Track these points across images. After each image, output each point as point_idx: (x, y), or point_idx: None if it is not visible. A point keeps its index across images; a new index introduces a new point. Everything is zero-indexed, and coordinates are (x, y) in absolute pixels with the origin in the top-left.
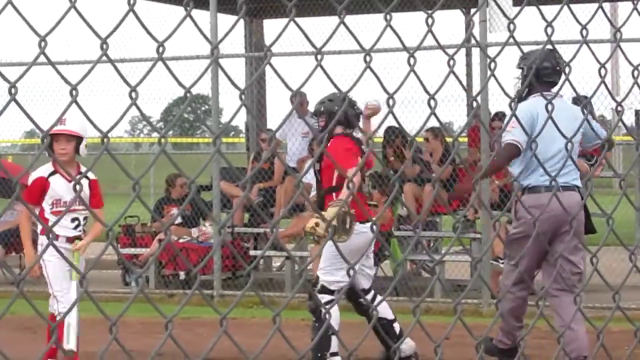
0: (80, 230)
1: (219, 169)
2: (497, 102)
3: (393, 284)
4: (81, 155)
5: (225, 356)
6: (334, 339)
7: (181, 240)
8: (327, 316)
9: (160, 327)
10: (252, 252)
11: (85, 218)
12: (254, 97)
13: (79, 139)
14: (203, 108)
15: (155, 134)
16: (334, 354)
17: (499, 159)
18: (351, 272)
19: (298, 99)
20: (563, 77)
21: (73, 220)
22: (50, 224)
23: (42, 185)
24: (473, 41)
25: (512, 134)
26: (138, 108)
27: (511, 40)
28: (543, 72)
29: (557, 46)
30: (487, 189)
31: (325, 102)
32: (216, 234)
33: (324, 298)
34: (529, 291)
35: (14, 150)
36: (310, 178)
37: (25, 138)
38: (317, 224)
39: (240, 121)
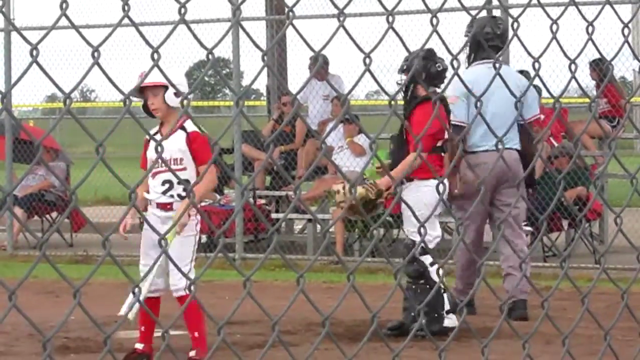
0: (171, 196)
1: (240, 132)
2: (518, 64)
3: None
4: (170, 105)
5: (248, 319)
6: (445, 296)
7: (202, 204)
8: (437, 275)
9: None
10: (273, 215)
11: (187, 180)
12: (275, 61)
13: (166, 88)
14: (224, 71)
15: None
16: (449, 312)
17: (455, 143)
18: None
19: (320, 60)
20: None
21: (164, 183)
22: (149, 188)
23: (145, 147)
24: (495, 2)
25: (454, 114)
26: (160, 69)
27: (534, 1)
28: (485, 38)
29: (580, 7)
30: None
31: (408, 59)
32: (238, 197)
33: (427, 259)
34: (481, 247)
35: (35, 115)
36: (330, 141)
37: (47, 102)
38: (338, 192)
39: (261, 84)
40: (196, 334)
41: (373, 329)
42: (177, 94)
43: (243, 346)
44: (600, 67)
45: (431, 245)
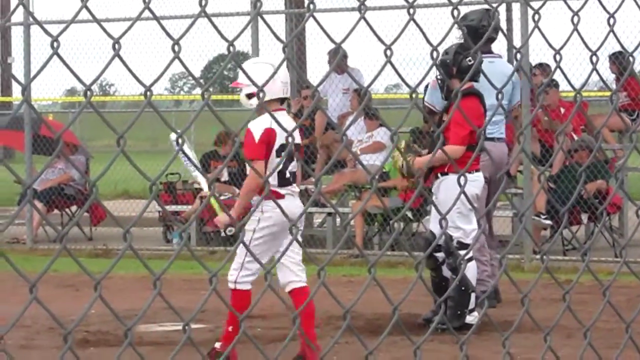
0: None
1: None
2: (537, 57)
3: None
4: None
5: (268, 312)
6: (472, 295)
7: (222, 197)
8: (466, 272)
9: (202, 283)
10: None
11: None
12: (294, 54)
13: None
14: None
15: (195, 91)
16: (472, 310)
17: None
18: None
19: (340, 53)
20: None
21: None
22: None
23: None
24: None
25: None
26: (180, 61)
27: None
28: (482, 31)
29: None
30: (529, 144)
31: (442, 55)
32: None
33: (466, 255)
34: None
35: (54, 109)
36: (350, 134)
37: (66, 96)
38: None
39: None
40: (230, 329)
41: (394, 322)
42: (249, 95)
43: (264, 340)
44: (620, 60)
45: (468, 240)
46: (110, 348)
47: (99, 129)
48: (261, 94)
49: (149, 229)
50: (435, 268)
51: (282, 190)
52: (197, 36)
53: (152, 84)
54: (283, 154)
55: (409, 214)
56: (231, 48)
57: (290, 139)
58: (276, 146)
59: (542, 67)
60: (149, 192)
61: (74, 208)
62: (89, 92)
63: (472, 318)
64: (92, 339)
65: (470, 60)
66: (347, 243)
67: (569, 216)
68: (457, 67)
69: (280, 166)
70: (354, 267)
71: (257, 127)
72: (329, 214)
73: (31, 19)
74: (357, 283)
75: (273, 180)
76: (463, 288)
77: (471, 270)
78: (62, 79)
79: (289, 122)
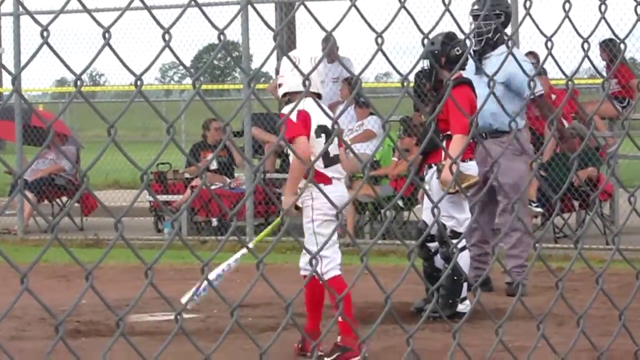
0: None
1: (250, 115)
2: (528, 45)
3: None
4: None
5: (259, 302)
6: (464, 284)
7: (213, 187)
8: (460, 261)
9: (193, 273)
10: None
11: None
12: (284, 43)
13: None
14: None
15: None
16: (464, 299)
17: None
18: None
19: (331, 41)
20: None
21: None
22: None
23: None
24: None
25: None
26: (171, 50)
27: None
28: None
29: None
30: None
31: (428, 45)
32: (249, 180)
33: (460, 243)
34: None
35: (44, 99)
36: (341, 123)
37: (56, 86)
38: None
39: (271, 67)
40: (340, 319)
41: (387, 310)
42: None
43: (255, 329)
44: (610, 48)
45: (461, 229)
46: (102, 338)
47: (89, 119)
48: (307, 82)
49: (140, 218)
50: (428, 258)
51: (329, 173)
52: (187, 26)
53: (142, 73)
54: (323, 135)
55: (400, 203)
56: (222, 37)
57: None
58: (314, 127)
59: (533, 54)
60: (140, 181)
61: (64, 198)
62: (79, 82)
63: (463, 307)
64: (84, 329)
65: (458, 50)
66: (347, 233)
67: (561, 204)
68: (445, 57)
69: (323, 146)
70: (346, 256)
71: (289, 111)
72: None
73: (21, 9)
74: (349, 272)
75: (318, 162)
76: (455, 277)
77: (464, 259)
78: (53, 69)
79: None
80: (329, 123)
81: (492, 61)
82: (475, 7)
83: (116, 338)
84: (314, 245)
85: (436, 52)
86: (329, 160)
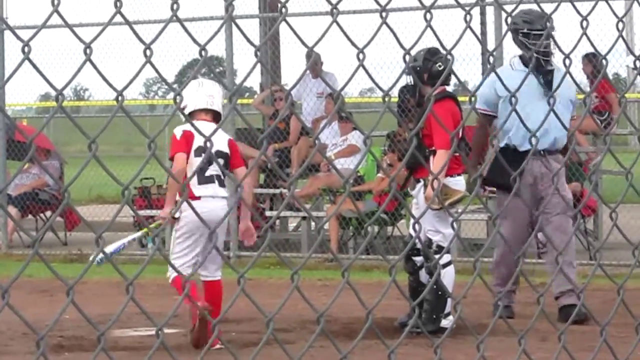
0: None
1: (234, 130)
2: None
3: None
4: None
5: (242, 316)
6: (449, 299)
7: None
8: (444, 276)
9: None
10: (268, 213)
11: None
12: (269, 58)
13: None
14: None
15: (169, 96)
16: (448, 314)
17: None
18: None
19: (313, 57)
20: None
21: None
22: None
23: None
24: None
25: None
26: (152, 65)
27: None
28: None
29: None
30: None
31: (411, 61)
32: (232, 194)
33: (443, 259)
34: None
35: (29, 114)
36: (324, 138)
37: (40, 101)
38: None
39: (255, 82)
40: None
41: (368, 326)
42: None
43: (238, 344)
44: (592, 62)
45: (446, 244)
46: (85, 353)
47: (73, 133)
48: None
49: (124, 233)
50: (413, 272)
51: (198, 191)
52: (172, 41)
53: (123, 89)
54: (204, 154)
55: (384, 217)
56: (203, 53)
57: (208, 144)
58: (194, 147)
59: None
60: (122, 196)
61: (48, 213)
62: (60, 97)
63: (447, 322)
64: (67, 344)
65: (440, 66)
66: (322, 247)
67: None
68: (427, 72)
69: (199, 165)
70: (329, 271)
71: (178, 130)
72: (304, 217)
73: (4, 25)
74: (332, 287)
75: (193, 179)
76: (440, 292)
77: (449, 274)
78: (37, 84)
79: (210, 129)
80: (216, 144)
81: (556, 76)
82: (528, 25)
83: (97, 353)
84: (173, 251)
85: (418, 68)
86: (204, 179)
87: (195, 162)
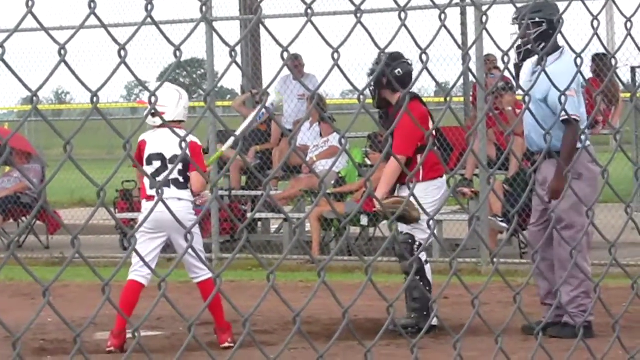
0: None
1: (215, 132)
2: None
3: (386, 242)
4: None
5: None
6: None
7: None
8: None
9: (156, 291)
10: (249, 215)
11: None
12: (250, 60)
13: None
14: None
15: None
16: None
17: (573, 139)
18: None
19: (290, 58)
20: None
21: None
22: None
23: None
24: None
25: (574, 108)
26: (127, 67)
27: None
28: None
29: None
30: (484, 147)
31: (373, 65)
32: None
33: (423, 256)
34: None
35: (10, 117)
36: (306, 140)
37: (22, 105)
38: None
39: (236, 84)
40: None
41: (344, 325)
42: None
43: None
44: (597, 62)
45: (423, 242)
46: (67, 356)
47: (55, 137)
48: (153, 98)
49: (105, 236)
50: (408, 272)
51: (151, 192)
52: (152, 43)
53: (98, 90)
54: (153, 162)
55: (365, 220)
56: (177, 53)
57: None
58: (146, 155)
59: (498, 69)
60: (97, 198)
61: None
62: (35, 98)
63: (438, 321)
64: (50, 348)
65: (399, 72)
66: (304, 249)
67: (526, 219)
68: (385, 78)
69: (152, 170)
70: (311, 273)
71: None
72: (285, 219)
73: None
74: (314, 289)
75: (147, 182)
76: (428, 288)
77: (429, 271)
78: (18, 88)
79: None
80: (165, 150)
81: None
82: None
83: (73, 354)
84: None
85: (374, 71)
86: (153, 183)
87: (147, 169)
